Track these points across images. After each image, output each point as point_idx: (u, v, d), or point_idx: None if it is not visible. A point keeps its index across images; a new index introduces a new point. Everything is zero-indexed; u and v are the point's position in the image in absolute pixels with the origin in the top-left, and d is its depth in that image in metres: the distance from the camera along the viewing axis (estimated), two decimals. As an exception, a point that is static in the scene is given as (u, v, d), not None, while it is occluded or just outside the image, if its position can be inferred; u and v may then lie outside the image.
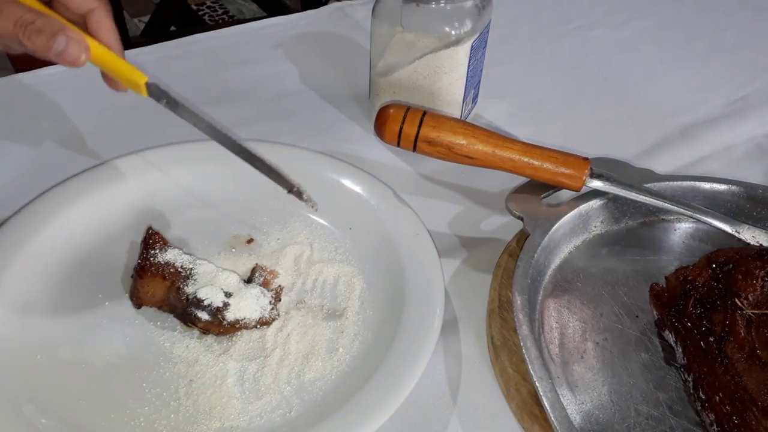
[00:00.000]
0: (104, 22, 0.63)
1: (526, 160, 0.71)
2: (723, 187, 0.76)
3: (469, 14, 0.79)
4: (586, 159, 0.71)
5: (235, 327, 0.63)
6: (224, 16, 2.95)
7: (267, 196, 0.73)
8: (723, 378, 0.57)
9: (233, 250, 0.71)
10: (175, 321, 0.64)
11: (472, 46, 0.80)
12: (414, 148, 0.72)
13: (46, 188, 0.72)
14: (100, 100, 0.87)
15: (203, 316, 0.61)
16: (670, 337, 0.63)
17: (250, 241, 0.72)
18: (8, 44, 0.60)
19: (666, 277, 0.66)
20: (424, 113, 0.72)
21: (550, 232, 0.68)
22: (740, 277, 0.62)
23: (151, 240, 0.66)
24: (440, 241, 0.72)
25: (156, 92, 0.64)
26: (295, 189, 0.65)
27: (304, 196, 0.65)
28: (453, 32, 0.79)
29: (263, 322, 0.64)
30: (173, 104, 0.64)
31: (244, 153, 0.65)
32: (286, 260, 0.70)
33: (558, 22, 1.16)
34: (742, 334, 0.59)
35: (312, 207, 0.65)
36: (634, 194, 0.71)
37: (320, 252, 0.72)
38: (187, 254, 0.66)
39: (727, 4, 1.24)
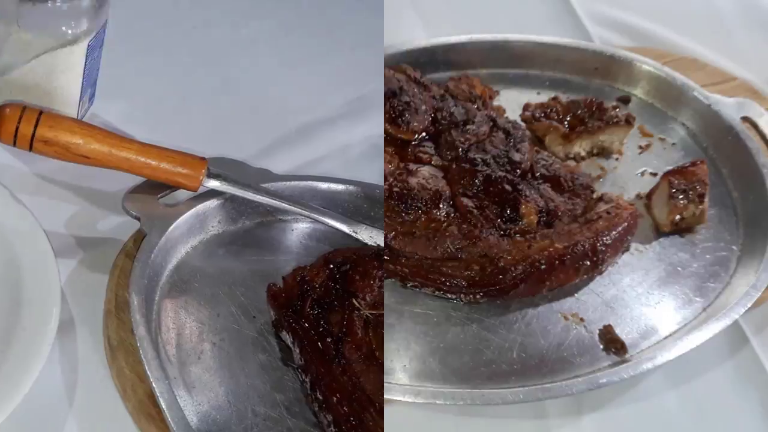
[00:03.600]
0: None
1: (143, 159, 0.72)
2: (340, 187, 0.79)
3: (85, 13, 0.78)
4: (203, 159, 0.74)
5: None
6: None
7: None
8: (340, 379, 0.59)
9: None
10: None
11: (88, 46, 0.79)
12: (30, 148, 0.70)
13: None
14: None
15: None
16: (288, 338, 0.65)
17: None
18: None
19: (283, 278, 0.68)
20: (41, 113, 0.70)
21: (167, 232, 0.70)
22: (357, 277, 0.65)
23: None
24: (56, 241, 0.70)
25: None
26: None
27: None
28: (69, 31, 0.77)
29: None
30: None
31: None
32: None
33: (177, 21, 1.13)
34: (360, 335, 0.62)
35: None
36: (250, 194, 0.74)
37: None
38: None
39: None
